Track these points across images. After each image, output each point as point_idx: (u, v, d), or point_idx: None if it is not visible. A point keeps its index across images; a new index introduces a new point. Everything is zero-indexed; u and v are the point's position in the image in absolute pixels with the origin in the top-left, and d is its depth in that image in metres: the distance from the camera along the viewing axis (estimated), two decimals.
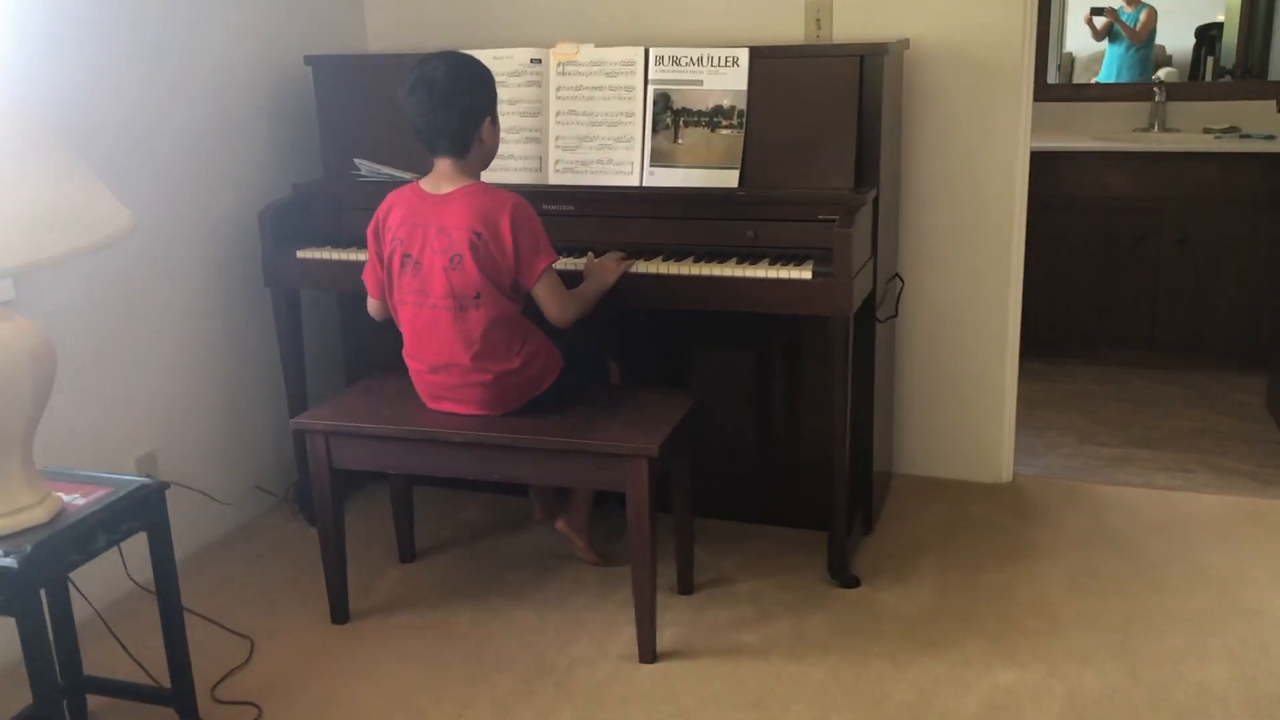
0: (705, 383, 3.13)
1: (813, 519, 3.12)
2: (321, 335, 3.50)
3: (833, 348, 2.70)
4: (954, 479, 3.48)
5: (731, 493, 3.20)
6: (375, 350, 3.37)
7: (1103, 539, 3.07)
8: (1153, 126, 4.74)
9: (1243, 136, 4.50)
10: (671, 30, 3.36)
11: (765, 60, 2.84)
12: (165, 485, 2.20)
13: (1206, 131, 4.65)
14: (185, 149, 3.03)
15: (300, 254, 3.07)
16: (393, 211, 2.56)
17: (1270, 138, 4.45)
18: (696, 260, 2.78)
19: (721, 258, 2.78)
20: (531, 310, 2.60)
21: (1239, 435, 3.84)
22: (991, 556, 2.99)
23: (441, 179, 2.53)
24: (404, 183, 2.98)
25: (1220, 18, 5.05)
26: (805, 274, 2.66)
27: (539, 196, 2.83)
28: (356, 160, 3.17)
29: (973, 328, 3.37)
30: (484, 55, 2.92)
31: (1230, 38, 5.03)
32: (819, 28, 3.27)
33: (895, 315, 3.22)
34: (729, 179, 2.86)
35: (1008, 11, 3.13)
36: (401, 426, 2.58)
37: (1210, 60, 5.02)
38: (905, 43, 3.12)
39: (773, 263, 2.73)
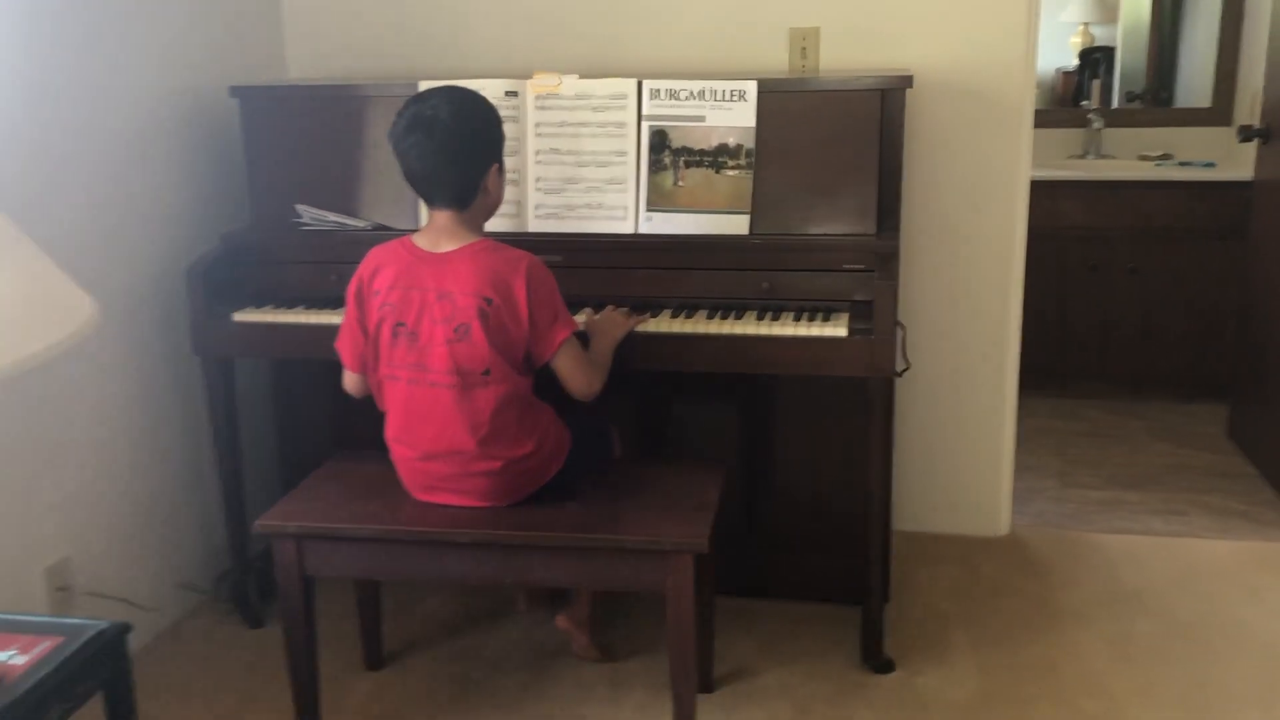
0: (686, 444, 2.83)
1: (822, 591, 2.86)
2: (249, 409, 3.03)
3: (870, 412, 2.43)
4: (952, 534, 3.27)
5: (727, 565, 2.89)
6: (314, 425, 2.96)
7: (1126, 599, 2.89)
8: (1087, 154, 4.68)
9: (1182, 164, 4.47)
10: (645, 60, 3.05)
11: (775, 94, 2.56)
12: (126, 627, 1.77)
13: (1143, 159, 4.60)
14: (96, 198, 2.56)
15: (238, 317, 2.63)
16: (381, 272, 2.17)
17: (1211, 165, 4.42)
18: (710, 316, 2.48)
19: (736, 313, 2.49)
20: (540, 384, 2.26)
21: (1215, 470, 3.75)
22: (1021, 626, 2.77)
23: (440, 234, 2.17)
24: (354, 231, 2.61)
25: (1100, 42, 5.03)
26: (840, 331, 2.39)
27: (518, 246, 2.46)
28: (298, 207, 2.75)
29: (970, 373, 3.17)
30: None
31: (1131, 62, 5.01)
32: (804, 57, 3.02)
33: (909, 367, 2.98)
34: (738, 224, 2.57)
35: (1005, 38, 2.94)
36: (392, 526, 2.19)
37: (1095, 84, 4.97)
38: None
39: (797, 318, 2.45)
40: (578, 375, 2.23)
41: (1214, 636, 2.70)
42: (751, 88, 2.55)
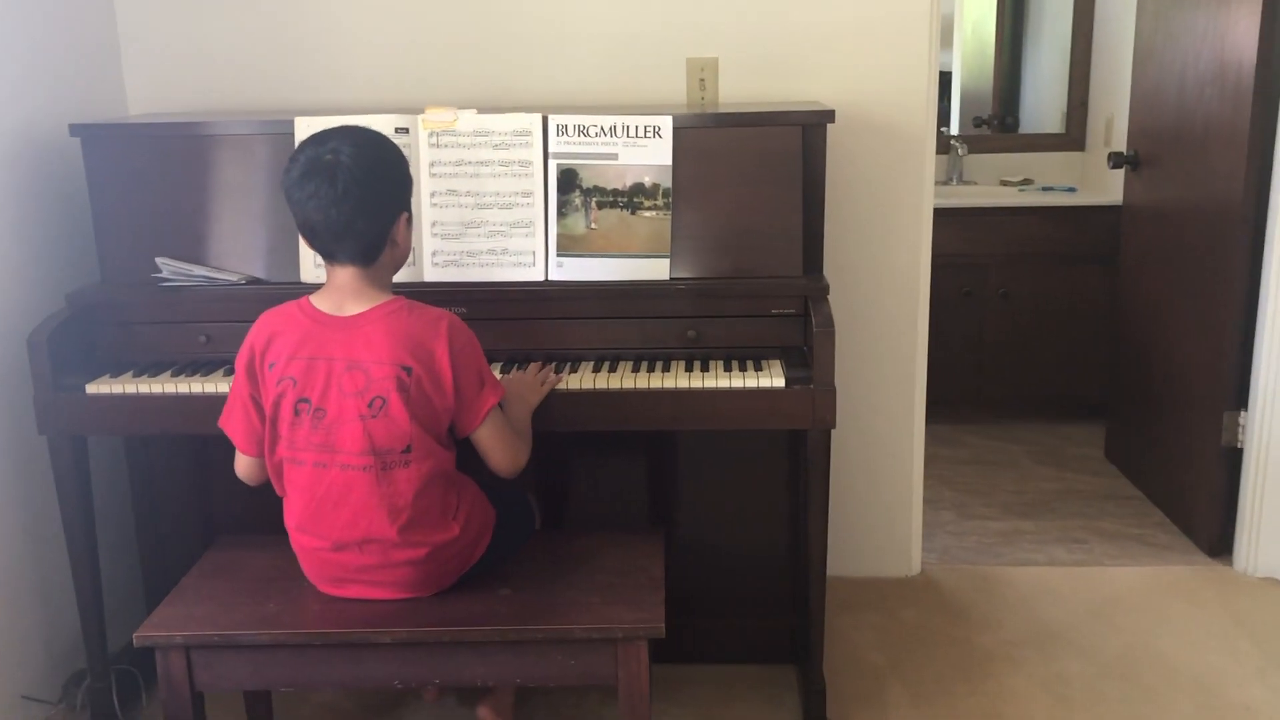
0: (588, 507, 2.63)
1: (749, 652, 2.71)
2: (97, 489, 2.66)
3: (811, 466, 2.29)
4: (865, 577, 3.17)
5: None
6: (176, 505, 2.64)
7: (1050, 637, 2.84)
8: (951, 180, 4.71)
9: (1045, 189, 4.55)
10: (538, 91, 2.85)
11: (692, 130, 2.40)
12: None
13: (1004, 184, 4.67)
14: None
15: (91, 388, 2.29)
16: (276, 340, 1.90)
17: (1072, 190, 4.52)
18: (635, 369, 2.29)
19: (663, 364, 2.31)
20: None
21: (1101, 493, 3.79)
22: (955, 675, 2.68)
23: (344, 294, 1.91)
24: (226, 286, 2.31)
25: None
26: (777, 381, 2.23)
27: (415, 297, 2.19)
28: (158, 260, 2.43)
29: (876, 410, 3.08)
30: (331, 124, 2.30)
31: (973, 87, 5.09)
32: (703, 88, 2.87)
33: None
34: (658, 269, 2.40)
35: (907, 69, 2.86)
36: (300, 630, 1.91)
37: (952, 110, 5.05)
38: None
39: (727, 367, 2.29)
40: (503, 447, 2.00)
41: (1143, 673, 2.67)
42: (667, 123, 2.38)
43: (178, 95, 2.89)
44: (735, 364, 2.31)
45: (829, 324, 2.21)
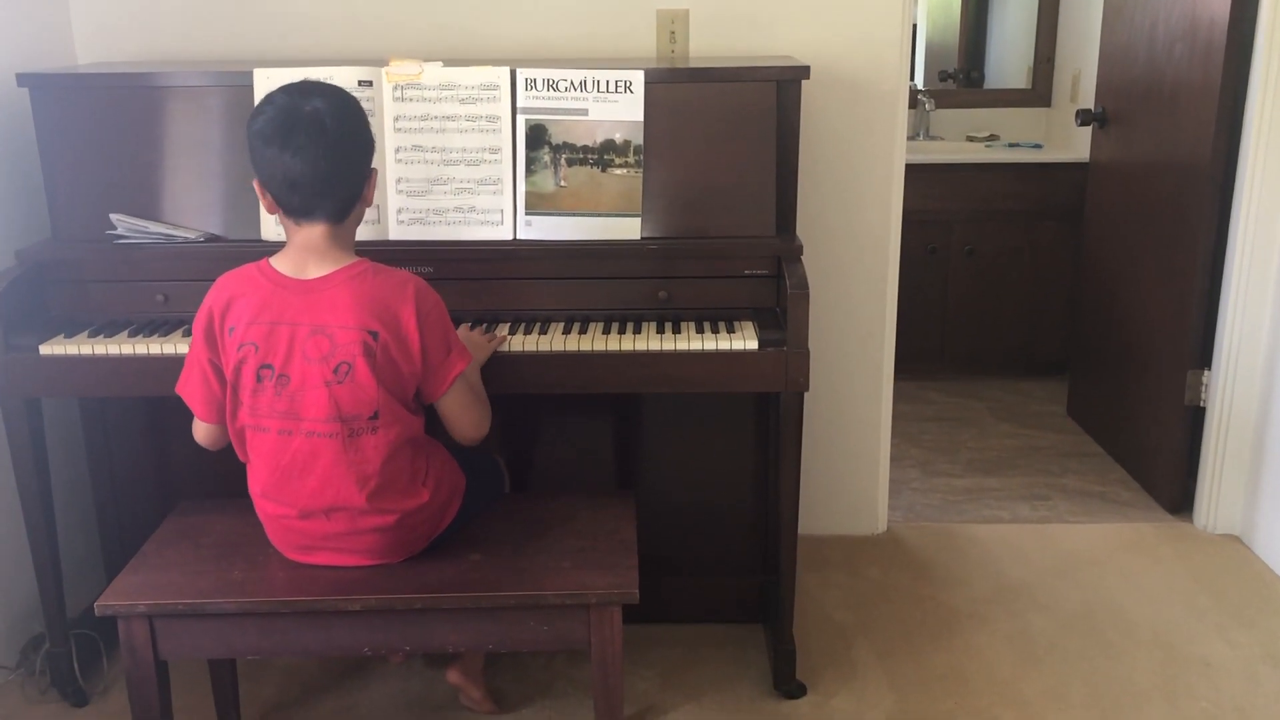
0: (553, 456, 2.61)
1: (716, 612, 2.71)
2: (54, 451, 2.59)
3: (784, 429, 2.27)
4: (832, 535, 3.18)
5: None
6: (130, 468, 2.58)
7: (1014, 594, 2.86)
8: (918, 135, 4.69)
9: (1011, 146, 4.54)
10: (497, 43, 2.79)
11: (664, 85, 2.35)
12: None
13: (970, 140, 4.65)
14: None
15: (45, 349, 2.22)
16: (236, 304, 1.84)
17: (1039, 147, 4.51)
18: (606, 330, 2.26)
19: (634, 325, 2.28)
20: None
21: (1063, 450, 3.82)
22: (921, 633, 2.70)
23: (308, 255, 1.85)
24: (183, 244, 2.25)
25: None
26: (750, 343, 2.21)
27: (379, 257, 2.11)
28: (112, 216, 2.35)
29: (844, 368, 3.07)
30: (293, 77, 2.23)
31: (939, 41, 5.05)
32: (673, 41, 2.81)
33: None
34: (629, 228, 2.35)
35: (880, 22, 2.82)
36: (267, 597, 1.87)
37: (920, 66, 5.01)
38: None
39: (699, 329, 2.26)
40: (468, 414, 1.97)
41: (1105, 628, 2.70)
42: (638, 78, 2.33)
43: (127, 44, 2.79)
44: (707, 325, 2.28)
45: (803, 286, 2.19)
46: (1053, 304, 4.36)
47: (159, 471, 2.59)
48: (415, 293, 1.85)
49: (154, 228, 2.35)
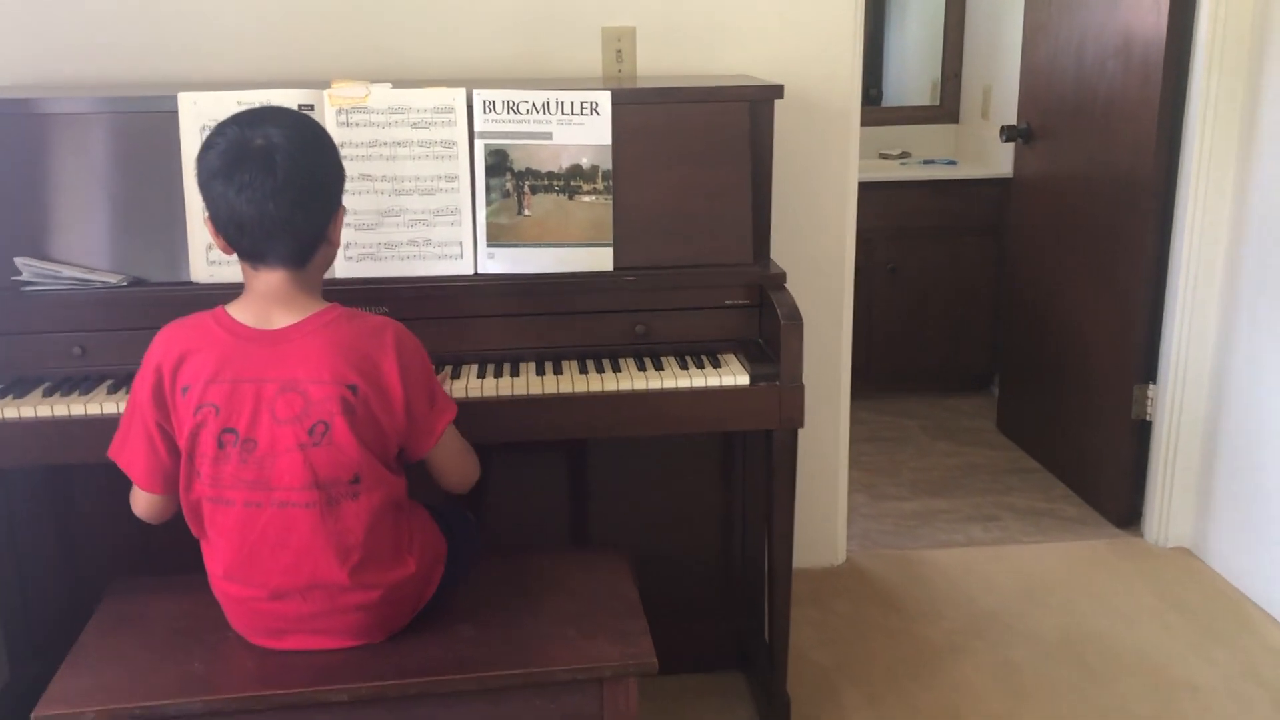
0: (507, 519, 2.40)
1: (695, 661, 2.55)
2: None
3: (777, 469, 2.13)
4: (794, 568, 3.04)
5: None
6: (39, 546, 2.29)
7: (989, 623, 2.79)
8: None
9: (925, 163, 4.53)
10: (430, 63, 2.60)
11: (632, 106, 2.20)
12: None
13: (883, 157, 4.63)
14: None
15: None
16: (189, 360, 1.60)
17: (953, 163, 4.51)
18: (583, 369, 2.09)
19: (612, 363, 2.12)
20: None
21: (1001, 467, 3.79)
22: (904, 672, 2.59)
23: (271, 303, 1.63)
24: (103, 289, 2.00)
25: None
26: (740, 379, 2.07)
27: (328, 296, 1.92)
28: (18, 260, 2.07)
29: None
30: (223, 101, 2.02)
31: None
32: (620, 60, 2.67)
33: None
34: (601, 259, 2.19)
35: (830, 41, 2.74)
36: (236, 693, 1.64)
37: None
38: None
39: (682, 365, 2.12)
40: (454, 467, 1.79)
41: (1087, 654, 2.65)
42: (605, 99, 2.17)
43: (19, 66, 2.49)
44: (690, 360, 2.13)
45: (795, 316, 2.06)
46: (976, 318, 4.36)
47: (64, 543, 2.30)
48: (395, 339, 1.65)
49: (66, 271, 2.08)
